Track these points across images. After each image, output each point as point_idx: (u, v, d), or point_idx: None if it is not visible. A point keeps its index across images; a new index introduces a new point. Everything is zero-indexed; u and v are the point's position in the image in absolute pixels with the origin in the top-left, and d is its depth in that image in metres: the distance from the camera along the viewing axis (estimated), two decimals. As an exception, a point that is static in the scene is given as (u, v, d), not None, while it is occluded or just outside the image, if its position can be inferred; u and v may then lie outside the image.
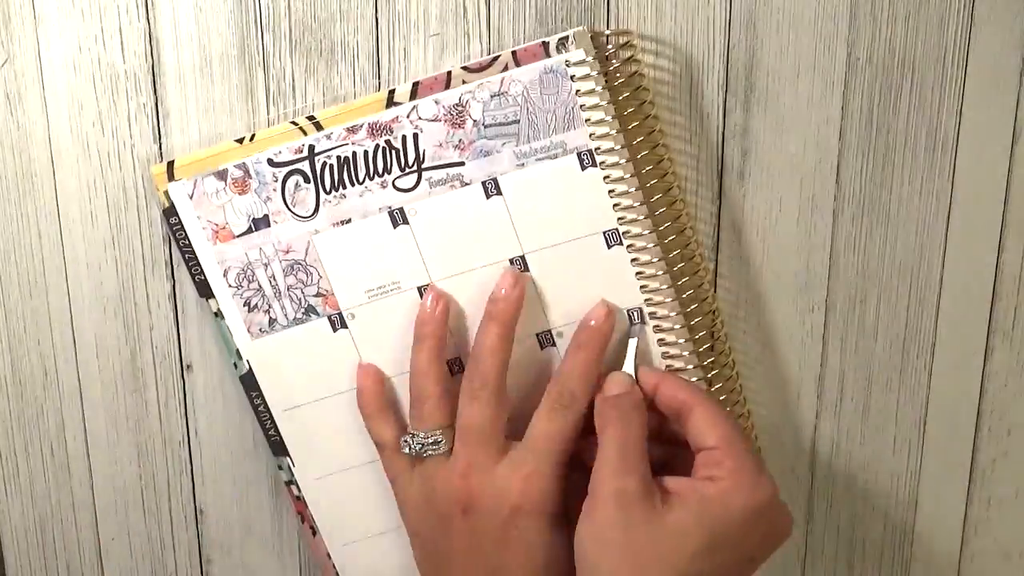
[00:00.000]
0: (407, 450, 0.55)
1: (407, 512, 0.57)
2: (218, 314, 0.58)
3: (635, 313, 0.56)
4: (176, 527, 0.63)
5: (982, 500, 0.64)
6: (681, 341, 0.57)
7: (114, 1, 0.55)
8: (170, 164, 0.56)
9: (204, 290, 0.57)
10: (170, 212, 0.56)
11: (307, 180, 0.55)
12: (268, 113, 0.57)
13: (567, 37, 0.54)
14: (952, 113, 0.58)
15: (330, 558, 0.62)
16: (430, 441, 0.54)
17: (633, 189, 0.55)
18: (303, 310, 0.57)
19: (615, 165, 0.55)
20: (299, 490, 0.60)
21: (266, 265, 0.57)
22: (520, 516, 0.53)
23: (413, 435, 0.55)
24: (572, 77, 0.54)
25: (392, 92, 0.55)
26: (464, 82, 0.55)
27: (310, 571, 0.64)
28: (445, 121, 0.55)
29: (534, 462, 0.53)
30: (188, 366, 0.61)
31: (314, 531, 0.61)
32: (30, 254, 0.59)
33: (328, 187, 0.55)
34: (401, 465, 0.56)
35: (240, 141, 0.56)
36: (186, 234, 0.56)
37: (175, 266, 0.59)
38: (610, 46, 0.55)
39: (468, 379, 0.54)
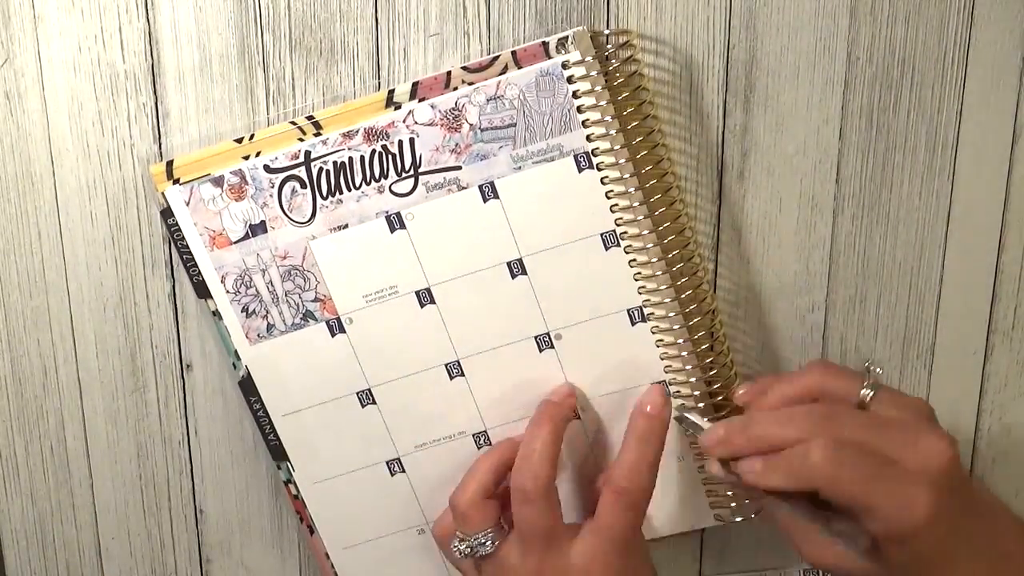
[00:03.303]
0: (458, 554, 0.56)
1: None
2: (216, 314, 0.58)
3: (634, 313, 0.56)
4: (176, 527, 0.63)
5: (982, 500, 0.63)
6: (680, 342, 0.57)
7: (114, 1, 0.55)
8: (169, 164, 0.56)
9: (202, 291, 0.57)
10: (167, 214, 0.56)
11: (304, 186, 0.55)
12: (268, 113, 0.57)
13: (567, 37, 0.54)
14: (952, 113, 0.58)
15: (329, 558, 0.62)
16: (477, 543, 0.55)
17: (632, 189, 0.55)
18: (301, 315, 0.57)
19: (613, 165, 0.54)
20: (297, 490, 0.60)
21: (263, 271, 0.57)
22: None
23: (463, 539, 0.55)
24: (570, 79, 0.54)
25: (392, 92, 0.55)
26: (464, 82, 0.55)
27: (310, 571, 0.64)
28: (441, 125, 0.55)
29: (603, 552, 0.54)
30: (188, 366, 0.61)
31: (312, 530, 0.61)
32: (30, 254, 0.59)
33: (325, 192, 0.55)
34: (467, 564, 0.57)
35: (239, 141, 0.56)
36: (183, 236, 0.56)
37: (175, 266, 0.59)
38: (610, 46, 0.55)
39: (518, 480, 0.54)
